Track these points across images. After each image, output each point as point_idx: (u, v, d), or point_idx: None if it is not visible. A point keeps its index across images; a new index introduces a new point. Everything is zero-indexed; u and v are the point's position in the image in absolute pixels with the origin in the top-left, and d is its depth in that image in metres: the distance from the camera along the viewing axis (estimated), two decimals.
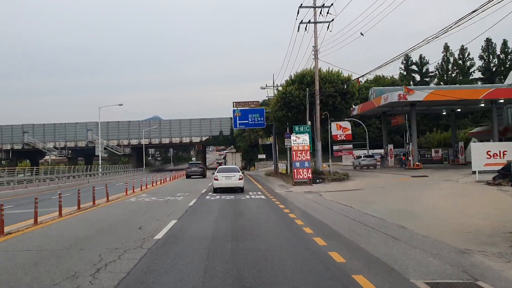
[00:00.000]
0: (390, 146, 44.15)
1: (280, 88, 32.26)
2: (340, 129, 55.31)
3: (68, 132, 77.49)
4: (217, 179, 20.81)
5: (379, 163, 45.63)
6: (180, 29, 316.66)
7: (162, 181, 35.79)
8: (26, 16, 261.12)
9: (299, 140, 25.11)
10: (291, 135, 25.98)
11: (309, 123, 29.30)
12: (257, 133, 65.78)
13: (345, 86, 29.82)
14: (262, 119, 42.53)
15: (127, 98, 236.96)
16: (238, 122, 42.92)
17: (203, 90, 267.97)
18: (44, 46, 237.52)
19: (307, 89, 29.71)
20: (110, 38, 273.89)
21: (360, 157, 45.65)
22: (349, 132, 53.27)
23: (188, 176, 41.74)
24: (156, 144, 79.69)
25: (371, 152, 52.14)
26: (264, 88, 42.90)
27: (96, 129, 77.13)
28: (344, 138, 53.65)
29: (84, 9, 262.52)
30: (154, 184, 32.04)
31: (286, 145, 36.48)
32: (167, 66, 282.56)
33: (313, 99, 29.63)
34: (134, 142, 77.98)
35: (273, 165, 49.95)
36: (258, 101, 43.19)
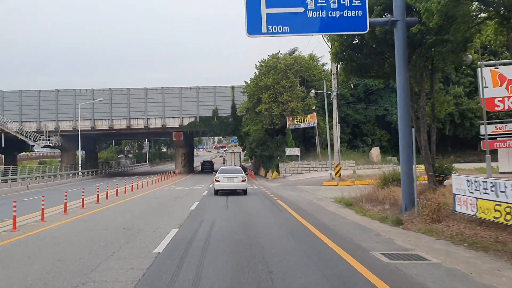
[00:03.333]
0: None
1: None
2: (502, 83, 23.40)
3: None
4: (218, 180, 20.10)
5: None
6: (180, 29, 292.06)
7: None
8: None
9: None
10: None
11: None
12: (287, 104, 33.59)
13: None
14: None
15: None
16: (263, 13, 11.23)
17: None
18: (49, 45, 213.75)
19: None
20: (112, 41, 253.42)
21: None
22: None
23: (202, 170, 58.74)
24: (104, 129, 47.42)
25: None
26: None
27: (1, 100, 45.58)
28: (511, 106, 21.95)
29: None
30: None
31: None
32: (165, 65, 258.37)
33: None
34: (66, 126, 46.11)
35: (401, 170, 17.17)
36: None
